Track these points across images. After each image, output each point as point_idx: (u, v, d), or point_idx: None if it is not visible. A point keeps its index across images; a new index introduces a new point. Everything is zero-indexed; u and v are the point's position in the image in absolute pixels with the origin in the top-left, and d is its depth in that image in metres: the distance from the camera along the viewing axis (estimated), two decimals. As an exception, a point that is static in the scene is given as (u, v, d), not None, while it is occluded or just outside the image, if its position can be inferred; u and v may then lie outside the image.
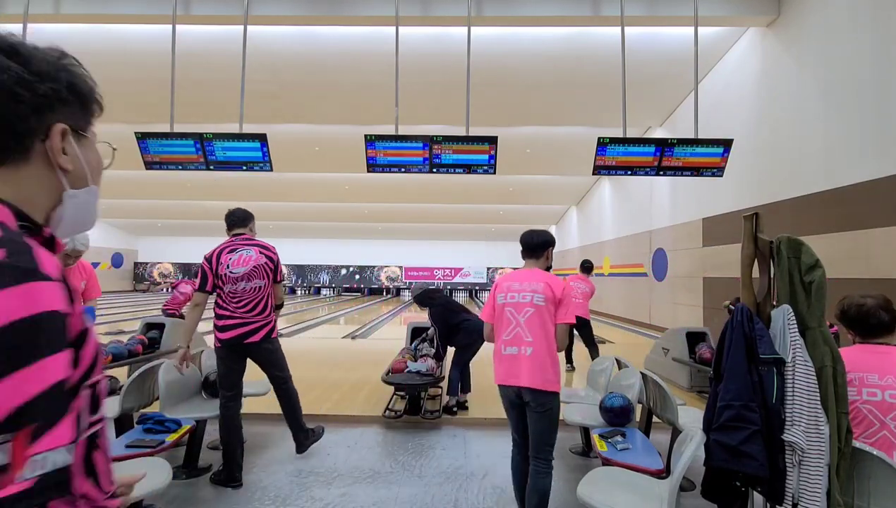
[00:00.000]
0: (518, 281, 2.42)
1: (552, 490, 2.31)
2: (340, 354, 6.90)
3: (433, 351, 4.74)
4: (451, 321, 4.33)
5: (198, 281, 2.96)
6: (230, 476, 2.88)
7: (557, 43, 6.71)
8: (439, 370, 4.31)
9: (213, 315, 3.00)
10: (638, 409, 3.05)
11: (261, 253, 3.05)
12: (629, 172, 4.60)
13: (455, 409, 4.20)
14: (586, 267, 6.45)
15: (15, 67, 0.57)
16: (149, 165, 4.60)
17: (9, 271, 0.50)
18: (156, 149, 4.54)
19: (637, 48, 6.27)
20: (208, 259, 2.99)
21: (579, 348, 6.30)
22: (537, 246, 2.50)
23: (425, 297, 4.47)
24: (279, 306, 3.23)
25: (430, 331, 4.55)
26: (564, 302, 2.35)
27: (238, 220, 3.13)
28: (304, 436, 3.25)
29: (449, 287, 24.25)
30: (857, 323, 2.03)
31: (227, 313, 2.95)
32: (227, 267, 2.95)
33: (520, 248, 2.57)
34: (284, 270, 3.44)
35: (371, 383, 4.99)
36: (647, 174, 4.59)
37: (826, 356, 1.82)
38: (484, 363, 6.73)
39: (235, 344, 2.94)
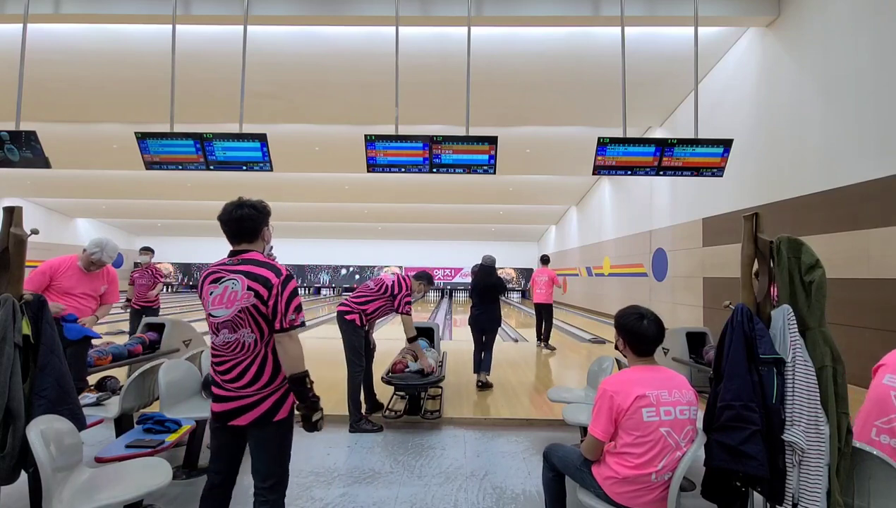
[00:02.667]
0: (665, 388, 1.85)
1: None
2: (340, 354, 6.87)
3: (433, 351, 4.75)
4: (489, 288, 5.31)
5: None
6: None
7: (557, 43, 6.71)
8: (439, 370, 4.31)
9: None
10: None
11: (395, 281, 4.17)
12: (629, 172, 4.59)
13: (481, 384, 5.00)
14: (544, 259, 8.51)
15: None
16: (149, 165, 4.60)
17: None
18: (156, 149, 4.54)
19: (637, 48, 6.27)
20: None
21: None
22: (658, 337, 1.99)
23: (492, 268, 5.45)
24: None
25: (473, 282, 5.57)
26: None
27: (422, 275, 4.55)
28: None
29: (449, 287, 24.26)
30: None
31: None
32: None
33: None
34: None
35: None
36: (647, 174, 4.59)
37: (826, 356, 1.82)
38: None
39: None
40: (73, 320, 3.27)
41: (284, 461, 1.96)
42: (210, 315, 1.84)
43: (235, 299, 1.80)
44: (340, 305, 4.06)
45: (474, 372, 5.28)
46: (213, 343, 1.88)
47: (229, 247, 1.98)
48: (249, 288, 1.80)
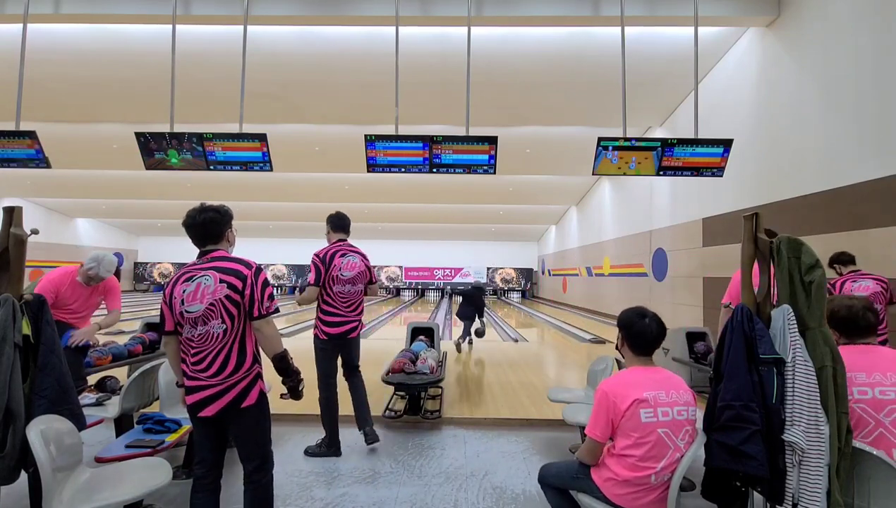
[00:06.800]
0: (662, 389, 1.85)
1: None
2: (340, 354, 6.90)
3: (433, 351, 4.75)
4: (474, 302, 8.06)
5: (312, 276, 3.30)
6: (333, 445, 3.37)
7: (557, 43, 6.71)
8: (439, 370, 4.31)
9: (320, 312, 3.36)
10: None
11: (362, 260, 3.47)
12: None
13: (460, 342, 7.74)
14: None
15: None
16: (149, 166, 4.60)
17: None
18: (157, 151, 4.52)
19: (637, 48, 6.27)
20: (321, 258, 3.31)
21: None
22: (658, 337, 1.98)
23: (477, 291, 8.32)
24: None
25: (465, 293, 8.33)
26: None
27: (346, 225, 3.57)
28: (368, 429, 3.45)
29: (449, 287, 24.27)
30: (846, 324, 2.04)
31: (335, 310, 3.35)
32: (340, 269, 3.32)
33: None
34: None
35: (371, 383, 4.97)
36: (647, 174, 4.59)
37: (826, 356, 1.82)
38: (484, 363, 6.68)
39: (341, 336, 3.36)
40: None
41: (263, 443, 2.11)
42: (185, 312, 1.96)
43: (208, 293, 1.95)
44: (353, 322, 3.44)
45: (460, 340, 7.78)
46: (184, 337, 2.00)
47: None
48: (222, 281, 1.96)
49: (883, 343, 3.55)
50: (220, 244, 2.10)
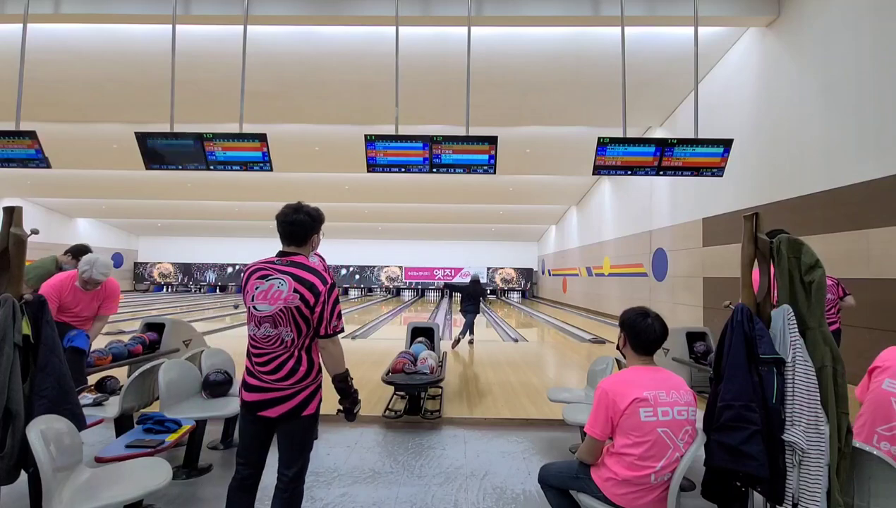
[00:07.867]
0: (663, 388, 1.84)
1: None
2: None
3: (433, 352, 4.75)
4: (473, 294, 8.27)
5: None
6: None
7: (557, 43, 6.71)
8: (439, 370, 4.31)
9: None
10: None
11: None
12: (629, 172, 4.59)
13: (460, 338, 7.81)
14: None
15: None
16: (149, 165, 4.60)
17: None
18: (158, 149, 4.53)
19: (637, 48, 6.27)
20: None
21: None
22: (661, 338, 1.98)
23: (476, 284, 8.51)
24: None
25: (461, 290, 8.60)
26: None
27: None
28: None
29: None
30: None
31: None
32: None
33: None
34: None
35: (371, 383, 4.98)
36: (647, 174, 4.58)
37: (826, 356, 1.82)
38: (484, 363, 6.69)
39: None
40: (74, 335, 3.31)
41: (307, 450, 2.07)
42: (254, 308, 1.94)
43: (279, 298, 1.90)
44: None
45: (461, 335, 7.88)
46: (253, 335, 1.96)
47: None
48: (296, 291, 1.90)
49: (837, 331, 3.84)
50: (303, 248, 2.07)
